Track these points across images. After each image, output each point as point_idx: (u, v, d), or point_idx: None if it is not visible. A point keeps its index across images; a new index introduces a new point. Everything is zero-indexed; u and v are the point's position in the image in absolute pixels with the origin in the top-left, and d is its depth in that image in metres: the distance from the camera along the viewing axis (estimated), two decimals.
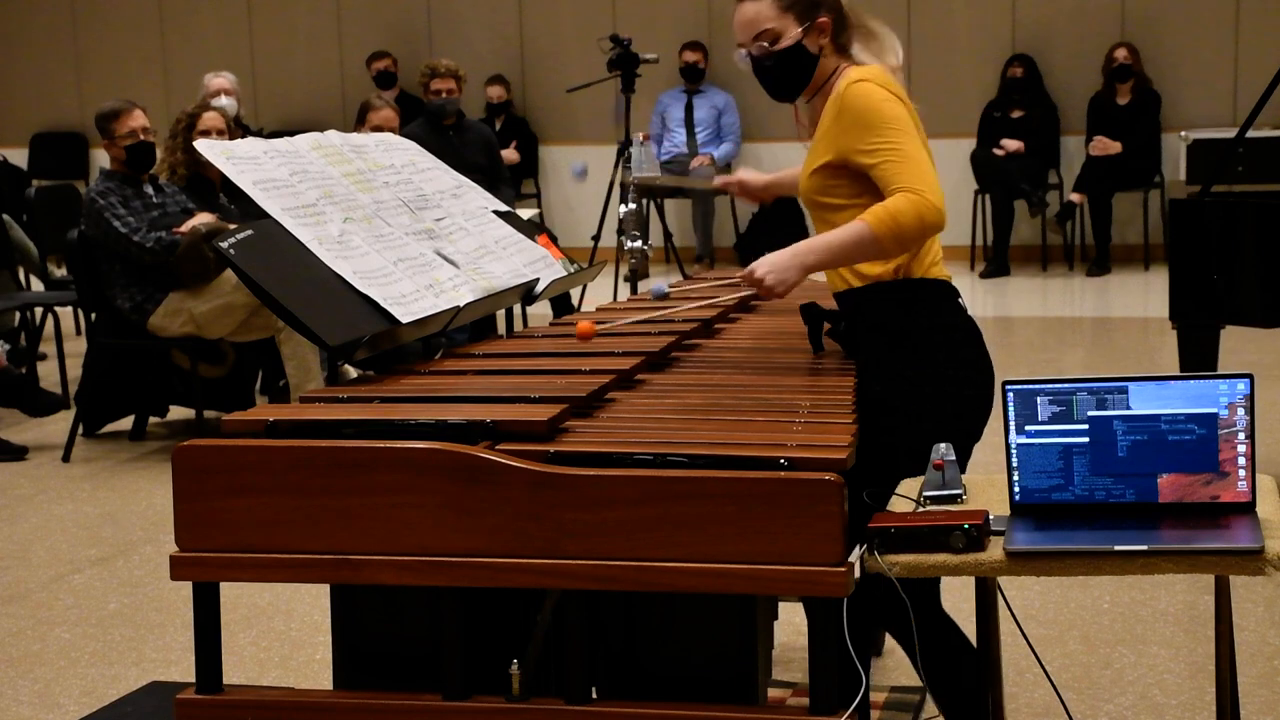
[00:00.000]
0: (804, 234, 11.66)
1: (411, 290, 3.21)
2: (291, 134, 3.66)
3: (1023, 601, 4.16)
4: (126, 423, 6.82)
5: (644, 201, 9.08)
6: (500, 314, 5.71)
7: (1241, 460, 2.39)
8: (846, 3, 2.96)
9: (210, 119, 6.70)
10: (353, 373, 5.13)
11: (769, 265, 2.81)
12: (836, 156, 2.86)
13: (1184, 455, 2.39)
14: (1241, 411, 2.38)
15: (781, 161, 11.56)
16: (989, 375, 2.91)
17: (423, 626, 2.54)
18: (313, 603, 4.44)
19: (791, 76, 2.94)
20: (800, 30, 2.89)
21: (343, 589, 2.61)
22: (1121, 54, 10.65)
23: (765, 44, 2.91)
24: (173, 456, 2.47)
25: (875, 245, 2.76)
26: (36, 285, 8.78)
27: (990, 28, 11.19)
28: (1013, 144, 10.75)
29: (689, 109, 11.38)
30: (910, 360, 2.85)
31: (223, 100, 8.36)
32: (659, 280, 3.05)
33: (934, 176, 2.79)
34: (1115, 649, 3.97)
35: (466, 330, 5.08)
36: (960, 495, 2.51)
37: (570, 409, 2.56)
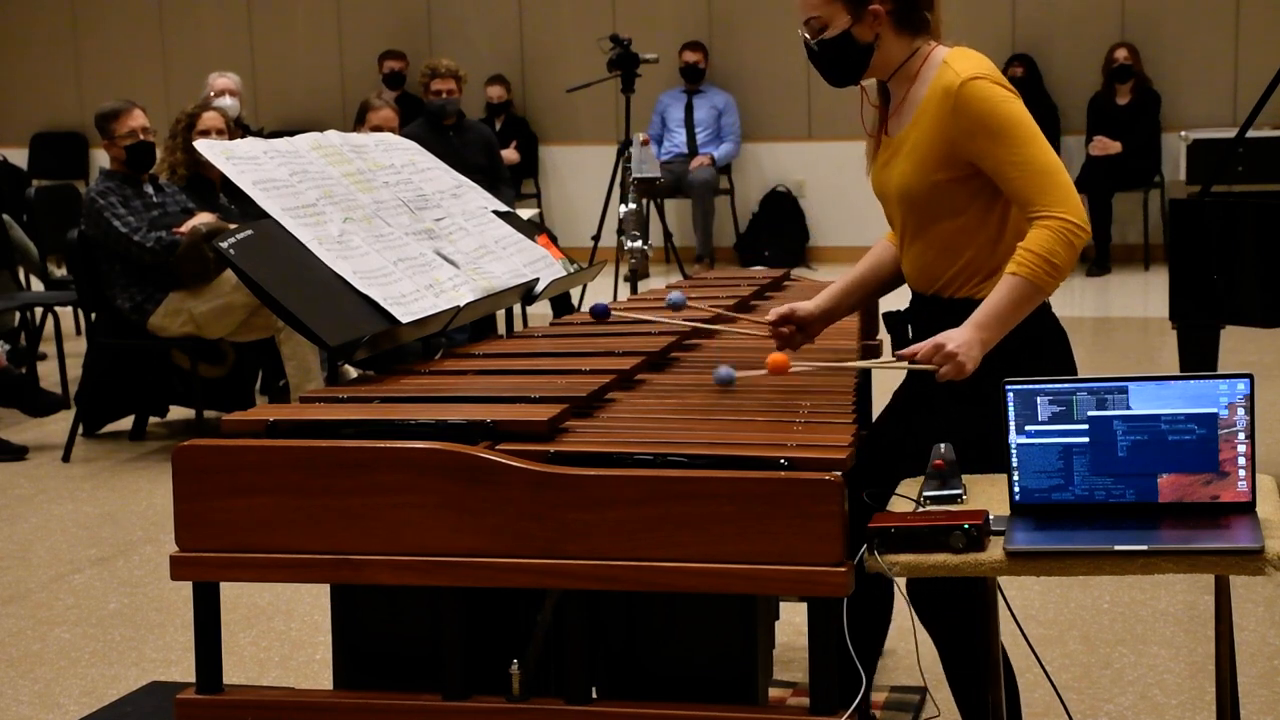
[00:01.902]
0: (804, 235, 11.69)
1: (411, 290, 3.21)
2: (291, 134, 3.66)
3: (1023, 601, 4.16)
4: (126, 423, 6.82)
5: (644, 201, 9.08)
6: (500, 314, 5.71)
7: (1241, 460, 2.38)
8: None
9: (210, 119, 6.70)
10: (353, 373, 5.13)
11: (961, 346, 2.63)
12: (953, 159, 2.72)
13: (1184, 455, 2.39)
14: (1241, 411, 2.38)
15: (781, 161, 11.58)
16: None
17: (423, 626, 2.54)
18: (313, 603, 4.44)
19: (840, 66, 2.80)
20: (848, 20, 2.74)
21: (343, 589, 2.60)
22: (1121, 54, 10.65)
23: (814, 31, 2.78)
24: (173, 456, 2.47)
25: (1040, 293, 2.67)
26: (36, 285, 8.78)
27: (990, 28, 11.19)
28: None
29: (689, 109, 11.38)
30: (998, 371, 2.69)
31: (225, 100, 8.36)
32: (676, 291, 2.89)
33: (1070, 185, 2.68)
34: (1115, 649, 3.97)
35: (466, 330, 5.08)
36: (960, 495, 2.51)
37: (570, 409, 2.56)
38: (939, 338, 2.65)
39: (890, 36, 2.77)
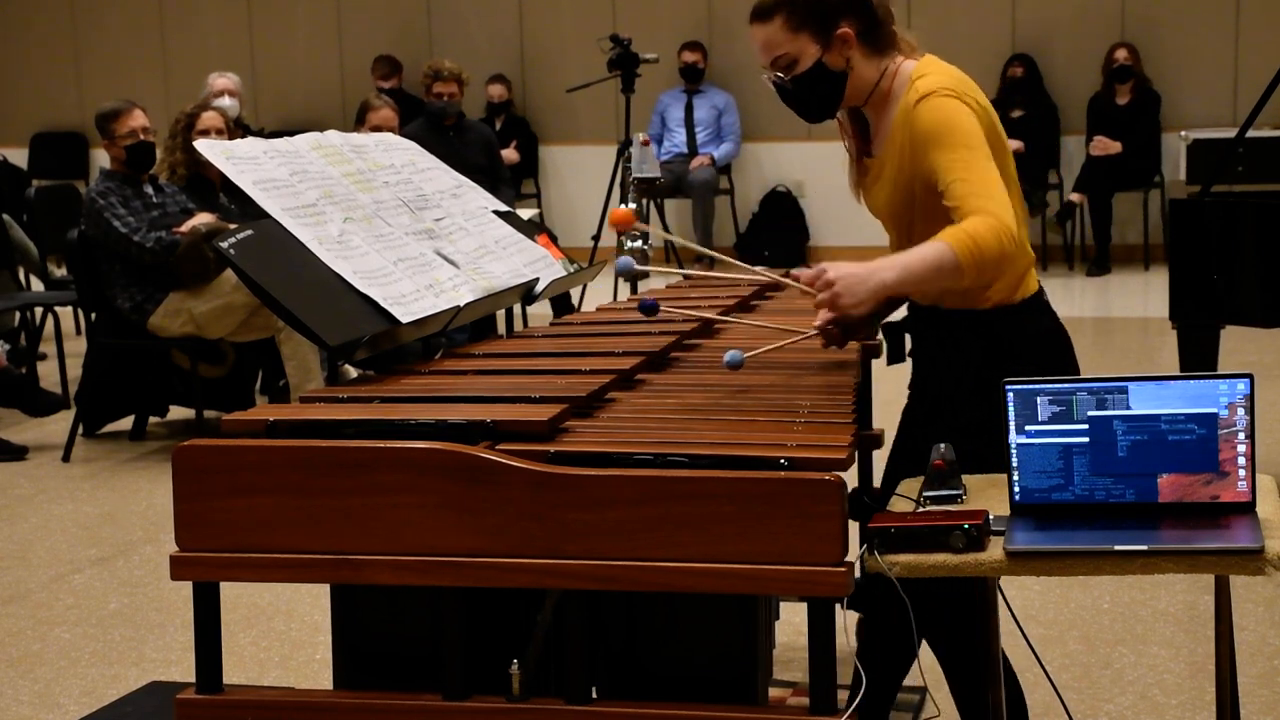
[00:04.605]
0: (804, 235, 11.69)
1: (411, 290, 3.21)
2: (291, 134, 3.66)
3: (1023, 601, 4.16)
4: (126, 423, 6.82)
5: (644, 201, 9.07)
6: (500, 314, 5.71)
7: (1241, 460, 2.39)
8: None
9: (209, 119, 6.70)
10: (353, 373, 5.13)
11: (845, 277, 2.54)
12: (911, 175, 2.71)
13: (1184, 455, 2.39)
14: (1241, 411, 2.38)
15: (781, 161, 11.58)
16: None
17: (423, 626, 2.54)
18: (313, 603, 4.44)
19: (819, 99, 2.75)
20: (818, 49, 2.70)
21: (343, 589, 2.60)
22: (1121, 54, 10.66)
23: (784, 68, 2.73)
24: (173, 456, 2.47)
25: (955, 270, 2.54)
26: (36, 285, 8.78)
27: (990, 28, 11.19)
28: (1013, 144, 10.62)
29: (689, 109, 11.38)
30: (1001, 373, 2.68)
31: (225, 101, 8.36)
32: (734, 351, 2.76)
33: (1006, 200, 2.61)
34: (1115, 649, 3.97)
35: (466, 330, 5.08)
36: (960, 495, 2.51)
37: (570, 409, 2.56)
38: (829, 267, 2.57)
39: (861, 60, 2.74)
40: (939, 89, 2.68)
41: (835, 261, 2.63)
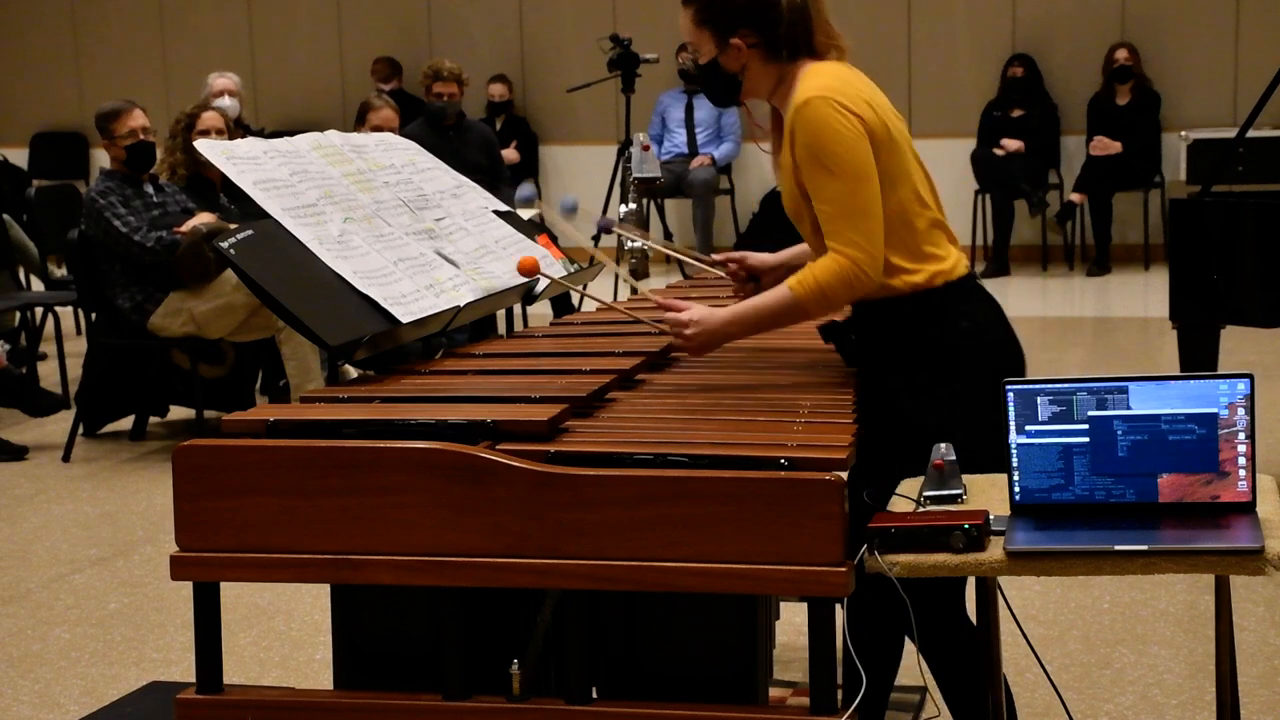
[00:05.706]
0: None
1: (411, 290, 3.21)
2: (291, 134, 3.66)
3: (1023, 601, 4.16)
4: (126, 423, 6.82)
5: (644, 201, 9.07)
6: (500, 314, 5.71)
7: (1241, 460, 2.39)
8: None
9: (209, 119, 6.70)
10: (353, 373, 5.13)
11: (701, 326, 2.78)
12: (799, 180, 2.77)
13: (1184, 455, 2.39)
14: (1241, 411, 2.38)
15: None
16: (1016, 364, 2.87)
17: (423, 626, 2.54)
18: (313, 603, 4.44)
19: (715, 90, 2.86)
20: (714, 50, 2.80)
21: (343, 589, 2.61)
22: (1121, 54, 10.66)
23: (692, 53, 2.87)
24: (173, 456, 2.47)
25: (801, 314, 2.75)
26: (36, 285, 8.78)
27: (990, 28, 11.19)
28: (1013, 144, 10.76)
29: (689, 109, 11.37)
30: (935, 373, 2.78)
31: (225, 100, 8.36)
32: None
33: (874, 230, 2.67)
34: (1115, 649, 3.97)
35: (466, 330, 5.08)
36: (960, 495, 2.51)
37: (570, 409, 2.56)
38: (692, 312, 2.79)
39: (758, 66, 2.81)
40: (813, 96, 2.71)
41: (697, 307, 2.82)
